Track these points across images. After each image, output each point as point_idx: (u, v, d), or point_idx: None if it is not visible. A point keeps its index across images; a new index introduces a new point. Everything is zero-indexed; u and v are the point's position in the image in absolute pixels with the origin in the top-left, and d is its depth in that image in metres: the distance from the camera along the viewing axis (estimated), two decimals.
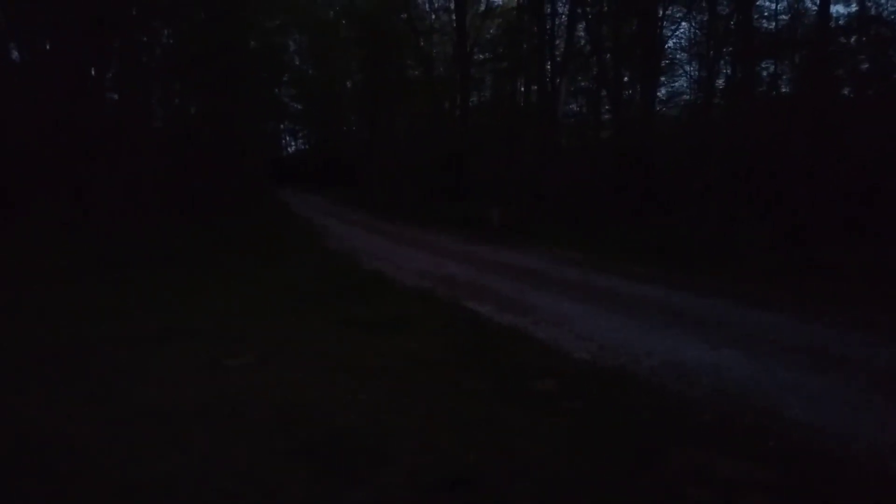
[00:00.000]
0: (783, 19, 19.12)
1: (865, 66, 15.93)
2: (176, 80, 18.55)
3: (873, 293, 7.19)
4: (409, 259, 11.37)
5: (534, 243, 12.59)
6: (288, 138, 60.34)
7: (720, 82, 21.33)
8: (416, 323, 6.34)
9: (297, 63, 48.14)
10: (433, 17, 33.60)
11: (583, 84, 24.28)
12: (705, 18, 20.90)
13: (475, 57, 28.34)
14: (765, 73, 19.09)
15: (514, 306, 7.11)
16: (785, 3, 19.34)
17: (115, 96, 17.12)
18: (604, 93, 22.34)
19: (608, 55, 20.96)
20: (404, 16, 28.29)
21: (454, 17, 25.45)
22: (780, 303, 6.95)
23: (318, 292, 8.06)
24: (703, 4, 20.10)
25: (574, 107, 24.78)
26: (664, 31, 21.02)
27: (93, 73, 15.07)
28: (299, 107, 51.28)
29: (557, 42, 21.98)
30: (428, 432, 3.54)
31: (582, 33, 22.35)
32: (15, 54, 14.80)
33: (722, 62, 21.06)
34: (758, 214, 10.55)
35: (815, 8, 16.66)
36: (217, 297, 7.76)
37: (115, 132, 14.19)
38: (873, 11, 16.04)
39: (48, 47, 14.19)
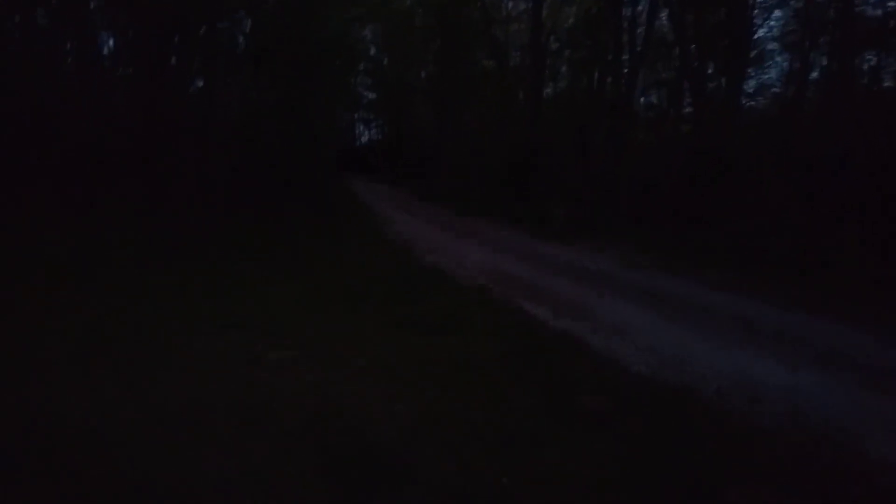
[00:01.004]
0: (891, 5, 17.56)
1: None
2: (251, 68, 18.99)
3: None
4: (470, 255, 11.14)
5: (601, 243, 12.06)
6: (361, 128, 61.35)
7: (814, 75, 19.87)
8: (467, 324, 6.11)
9: (373, 53, 48.73)
10: (510, 4, 33.07)
11: (664, 76, 23.24)
12: (800, 5, 19.50)
13: (551, 47, 27.66)
14: (865, 66, 17.60)
15: (572, 310, 6.75)
16: None
17: (198, 84, 17.74)
18: (686, 85, 21.26)
19: (692, 45, 19.88)
20: (479, 4, 27.88)
21: (530, 5, 24.78)
22: (869, 320, 6.24)
23: (373, 286, 7.96)
24: None
25: (653, 99, 23.75)
26: (755, 19, 19.78)
27: (174, 62, 15.61)
28: (373, 96, 51.91)
29: (639, 31, 21.04)
30: (465, 450, 3.31)
31: (665, 21, 21.34)
32: (106, 47, 15.58)
33: (817, 53, 19.59)
34: (850, 221, 9.63)
35: None
36: (275, 288, 7.80)
37: (190, 122, 14.66)
38: None
39: (131, 36, 14.76)
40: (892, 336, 5.72)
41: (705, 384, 4.39)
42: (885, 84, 17.92)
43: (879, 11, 17.51)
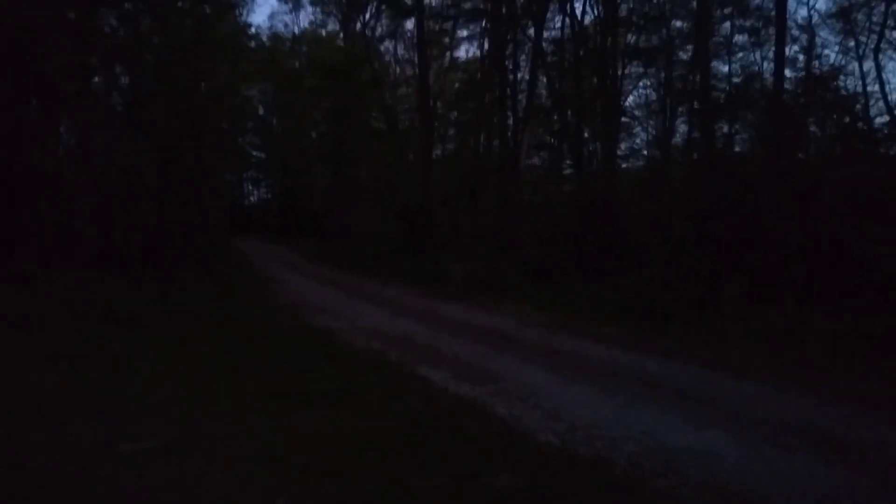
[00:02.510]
0: (736, 82, 19.68)
1: (813, 128, 16.39)
2: (124, 123, 17.75)
3: (855, 358, 6.73)
4: (365, 316, 10.61)
5: (497, 301, 11.97)
6: (251, 187, 59.53)
7: (677, 139, 21.71)
8: (361, 394, 5.57)
9: (261, 112, 47.95)
10: (398, 69, 33.88)
11: (545, 139, 24.43)
12: (663, 77, 21.41)
13: (439, 111, 28.40)
14: (719, 133, 19.46)
15: (473, 373, 6.40)
16: (738, 66, 19.92)
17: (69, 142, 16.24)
18: (565, 147, 22.41)
19: (569, 111, 21.09)
20: (368, 67, 28.25)
21: (417, 71, 25.42)
22: (761, 371, 6.39)
23: (258, 355, 7.22)
24: (661, 64, 20.54)
25: (536, 160, 24.80)
26: (623, 87, 21.40)
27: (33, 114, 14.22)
28: (262, 156, 50.77)
29: (520, 97, 22.11)
30: None
31: (544, 89, 22.57)
32: None
33: (678, 120, 21.48)
34: (726, 273, 10.17)
35: (768, 70, 17.19)
36: (143, 361, 6.83)
37: (54, 181, 13.23)
38: (818, 72, 16.62)
39: None
40: (788, 386, 5.83)
41: (617, 452, 4.14)
42: (736, 149, 19.95)
43: (726, 87, 19.64)
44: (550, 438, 4.43)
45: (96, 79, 17.84)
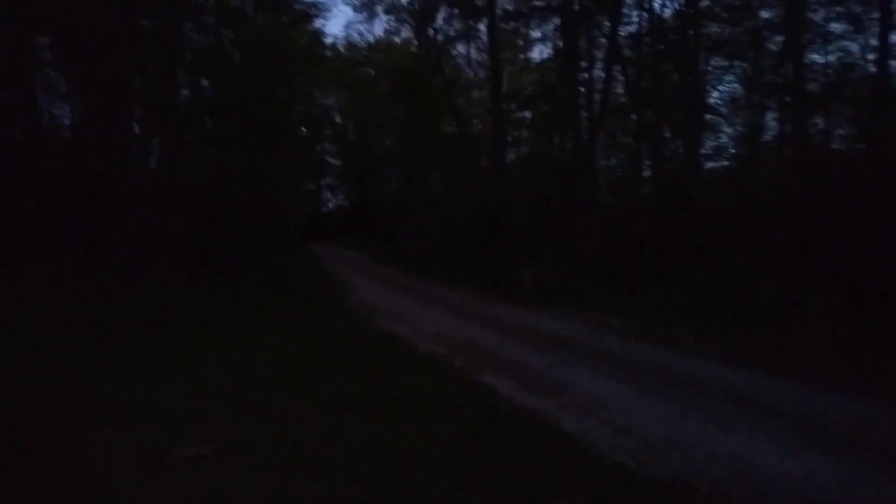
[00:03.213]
0: (832, 73, 18.14)
1: None
2: (208, 134, 18.47)
3: None
4: (431, 320, 10.40)
5: (568, 306, 11.45)
6: (329, 194, 61.16)
7: (767, 136, 20.29)
8: (421, 403, 5.32)
9: (338, 120, 49.16)
10: (471, 73, 33.74)
11: (622, 141, 23.54)
12: (750, 72, 20.09)
13: (512, 113, 28.01)
14: (813, 130, 18.02)
15: (539, 383, 6.02)
16: (834, 57, 18.34)
17: (151, 146, 17.05)
18: (644, 147, 21.49)
19: (648, 110, 20.20)
20: (441, 73, 28.29)
21: (490, 73, 25.15)
22: (861, 386, 5.64)
23: (319, 361, 7.11)
24: (749, 56, 19.28)
25: (613, 161, 23.96)
26: (707, 84, 20.26)
27: (116, 120, 14.96)
28: (339, 163, 52.02)
29: (596, 97, 21.38)
30: None
31: (621, 88, 21.75)
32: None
33: (768, 117, 20.08)
34: (819, 278, 9.25)
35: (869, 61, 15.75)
36: (207, 366, 6.89)
37: (132, 182, 13.86)
38: None
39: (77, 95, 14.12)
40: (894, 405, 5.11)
41: (698, 476, 3.67)
42: (833, 146, 18.40)
43: (822, 78, 18.14)
44: (622, 458, 4.00)
45: (184, 91, 18.72)
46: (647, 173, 22.17)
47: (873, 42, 15.56)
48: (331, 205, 61.44)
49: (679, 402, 5.30)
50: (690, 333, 8.42)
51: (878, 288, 8.69)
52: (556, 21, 22.40)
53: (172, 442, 4.37)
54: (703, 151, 19.94)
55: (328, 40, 35.00)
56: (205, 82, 19.42)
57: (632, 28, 20.30)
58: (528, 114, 28.79)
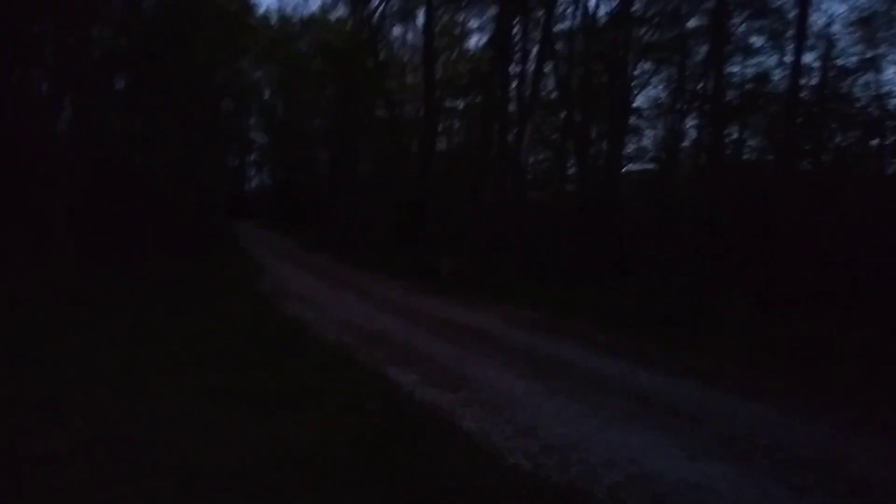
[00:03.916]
0: (749, 86, 18.94)
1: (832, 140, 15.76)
2: (113, 90, 17.08)
3: (871, 380, 6.09)
4: (343, 308, 10.02)
5: (486, 298, 11.34)
6: (254, 171, 58.85)
7: (686, 143, 21.04)
8: (318, 397, 4.98)
9: (267, 96, 47.39)
10: (406, 57, 33.21)
11: (550, 137, 23.75)
12: (675, 78, 20.71)
13: (445, 101, 27.75)
14: (728, 140, 18.79)
15: (446, 378, 5.81)
16: (752, 70, 19.16)
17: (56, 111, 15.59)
18: (570, 145, 21.76)
19: (576, 108, 20.43)
20: (374, 53, 27.63)
21: (424, 59, 24.76)
22: (765, 389, 5.76)
23: (218, 349, 6.60)
24: (675, 62, 19.85)
25: (541, 157, 24.17)
26: (634, 87, 20.71)
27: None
28: (265, 140, 50.18)
29: (527, 92, 21.42)
30: None
31: (551, 82, 21.90)
32: None
33: (688, 123, 20.80)
34: (732, 282, 9.55)
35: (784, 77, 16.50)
36: (90, 351, 6.25)
37: (34, 146, 12.59)
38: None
39: None
40: (795, 407, 5.21)
41: (596, 480, 3.54)
42: (745, 157, 19.29)
43: (740, 90, 18.93)
44: (520, 461, 3.83)
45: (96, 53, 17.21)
46: (572, 170, 22.51)
47: (788, 59, 16.32)
48: (254, 183, 59.26)
49: (584, 400, 5.21)
50: (604, 332, 8.46)
51: (784, 294, 9.04)
52: (493, 11, 22.25)
53: (28, 436, 3.86)
54: (625, 153, 20.43)
55: (261, 10, 33.47)
56: (122, 41, 17.99)
57: (565, 25, 20.46)
58: (460, 104, 28.65)
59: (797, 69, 14.66)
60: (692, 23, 18.95)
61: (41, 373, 5.33)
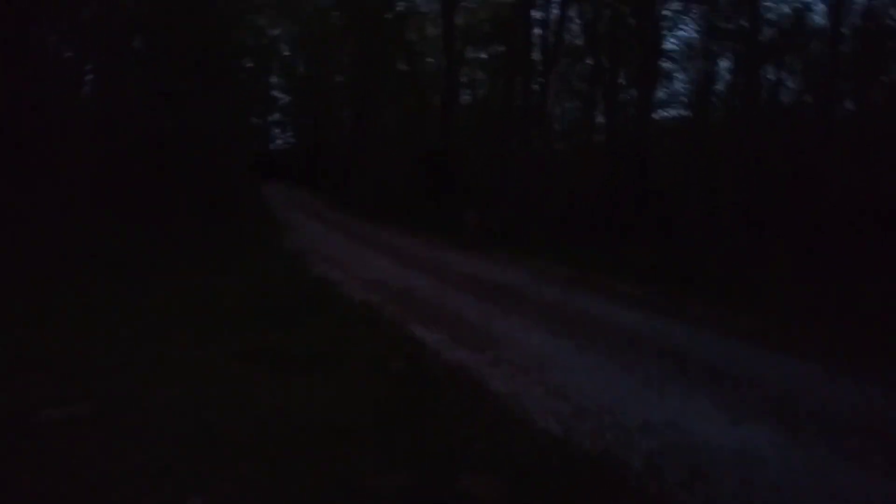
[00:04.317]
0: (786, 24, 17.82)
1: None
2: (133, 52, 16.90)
3: None
4: (370, 266, 9.91)
5: (514, 254, 11.11)
6: (277, 131, 58.65)
7: (720, 86, 20.06)
8: (342, 358, 4.87)
9: (287, 54, 46.69)
10: (427, 8, 32.20)
11: (577, 86, 22.93)
12: (707, 17, 19.59)
13: (466, 52, 26.95)
14: (765, 82, 17.83)
15: (473, 336, 5.64)
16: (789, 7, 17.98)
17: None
18: (598, 93, 20.98)
19: (603, 55, 19.60)
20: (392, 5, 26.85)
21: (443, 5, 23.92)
22: (811, 349, 5.45)
23: (244, 309, 6.56)
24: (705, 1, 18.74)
25: (567, 106, 23.43)
26: (663, 29, 19.69)
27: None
28: (288, 99, 49.71)
29: (551, 39, 20.59)
30: None
31: (577, 27, 20.99)
32: None
33: (721, 66, 19.78)
34: (773, 237, 9.11)
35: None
36: (113, 313, 6.24)
37: (58, 112, 12.54)
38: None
39: None
40: (843, 371, 4.91)
41: (632, 449, 3.34)
42: (782, 99, 18.33)
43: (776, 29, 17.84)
44: (551, 425, 3.65)
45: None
46: (600, 120, 21.76)
47: None
48: (279, 142, 59.09)
49: (617, 359, 5.01)
50: (638, 287, 8.16)
51: (829, 253, 8.58)
52: None
53: (46, 400, 3.81)
54: (655, 98, 19.59)
55: None
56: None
57: None
58: (483, 55, 27.81)
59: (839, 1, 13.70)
60: None
61: (63, 335, 5.31)
